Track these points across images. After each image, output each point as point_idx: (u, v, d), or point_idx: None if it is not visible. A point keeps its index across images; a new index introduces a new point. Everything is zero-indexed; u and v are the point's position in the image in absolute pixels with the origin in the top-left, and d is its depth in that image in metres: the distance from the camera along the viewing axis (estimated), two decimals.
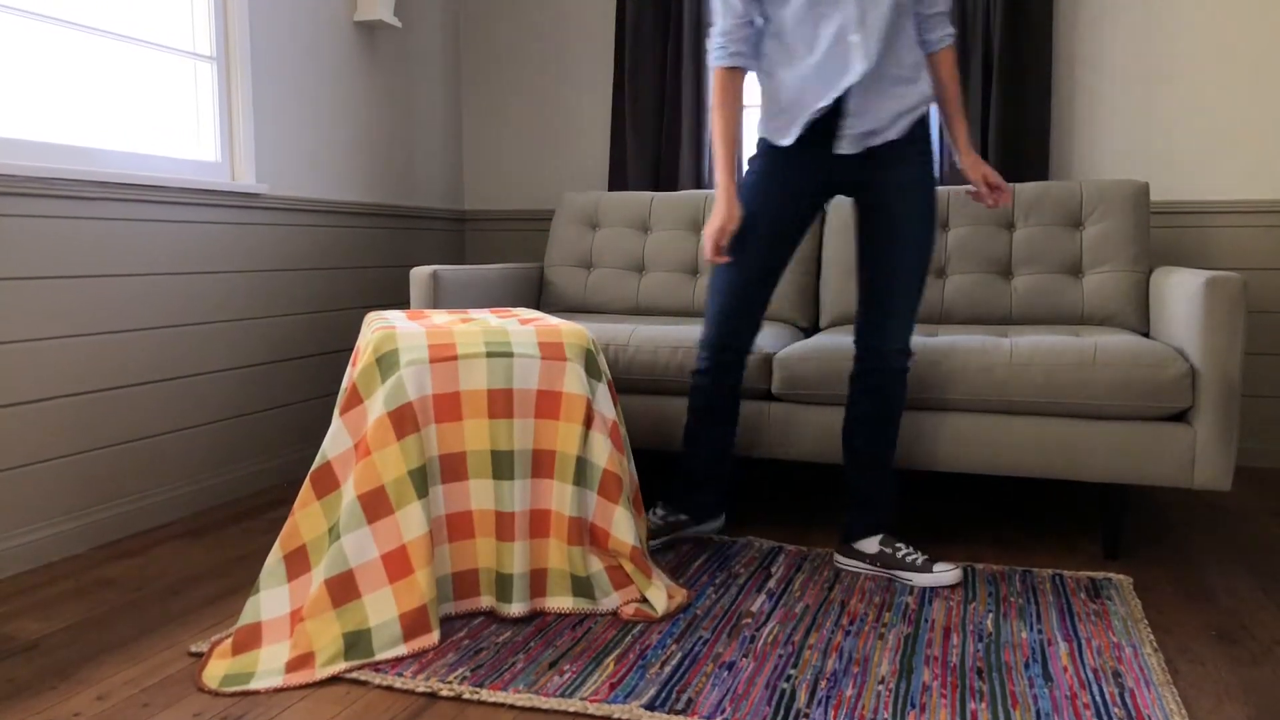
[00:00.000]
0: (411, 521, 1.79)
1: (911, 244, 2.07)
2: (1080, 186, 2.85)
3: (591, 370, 1.99)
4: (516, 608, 1.88)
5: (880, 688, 1.62)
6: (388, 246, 3.53)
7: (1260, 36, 3.09)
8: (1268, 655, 1.76)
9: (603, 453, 1.94)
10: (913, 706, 1.56)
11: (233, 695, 1.61)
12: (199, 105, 2.76)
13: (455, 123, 3.97)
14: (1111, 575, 2.16)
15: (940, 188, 2.98)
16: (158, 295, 2.55)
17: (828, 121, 2.03)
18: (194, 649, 1.77)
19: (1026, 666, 1.70)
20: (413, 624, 1.76)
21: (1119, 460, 2.18)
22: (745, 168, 2.19)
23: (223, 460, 2.80)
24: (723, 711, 1.53)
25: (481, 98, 3.98)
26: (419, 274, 2.68)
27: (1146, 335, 2.68)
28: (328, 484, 1.86)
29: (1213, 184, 3.18)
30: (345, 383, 1.97)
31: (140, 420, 2.51)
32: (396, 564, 1.77)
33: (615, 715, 1.52)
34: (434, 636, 1.77)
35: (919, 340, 2.34)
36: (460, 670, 1.68)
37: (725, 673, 1.67)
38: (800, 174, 2.09)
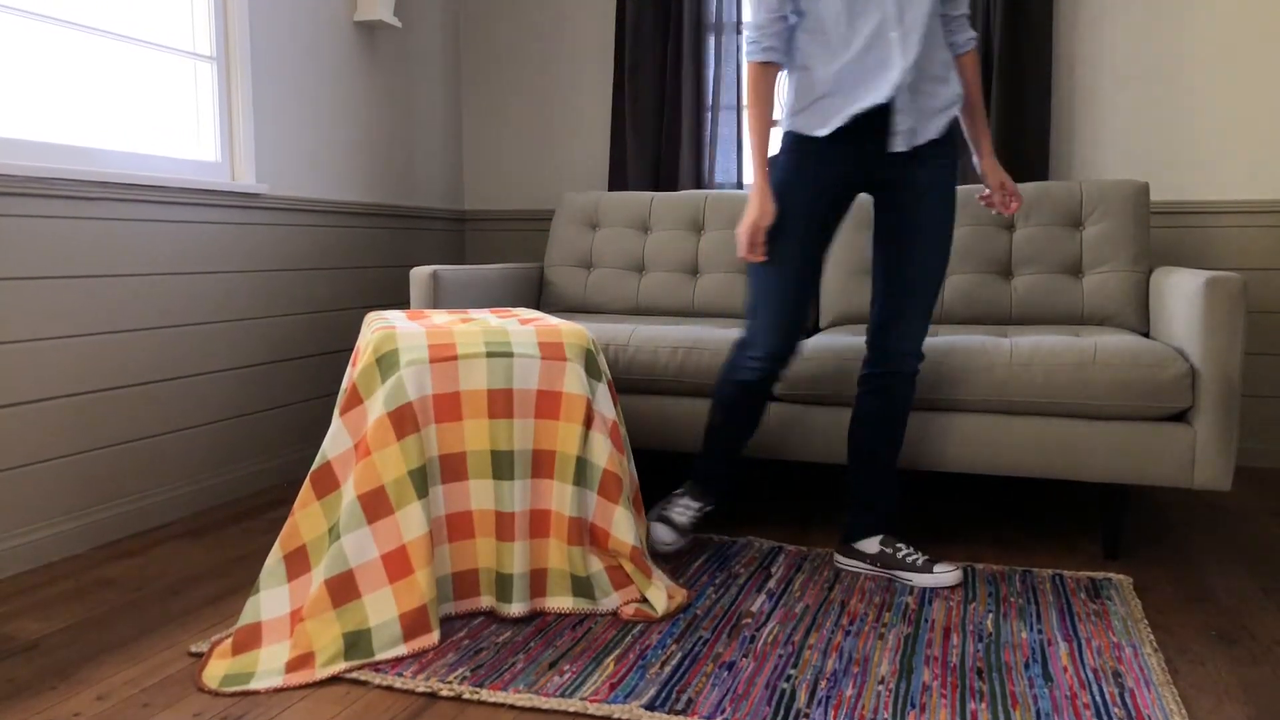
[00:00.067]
0: (411, 521, 1.79)
1: (933, 247, 2.06)
2: (1080, 186, 2.85)
3: (591, 370, 1.99)
4: (516, 608, 1.88)
5: (880, 688, 1.62)
6: (388, 246, 3.54)
7: (1261, 37, 3.09)
8: (1268, 655, 1.76)
9: (603, 453, 1.94)
10: (913, 706, 1.56)
11: (233, 695, 1.61)
12: (199, 105, 2.76)
13: (455, 123, 3.97)
14: (1111, 575, 2.16)
15: None
16: (158, 295, 2.55)
17: (871, 117, 2.00)
18: (194, 649, 1.77)
19: (1026, 666, 1.70)
20: (413, 624, 1.76)
21: (1119, 460, 2.18)
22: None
23: (223, 460, 2.80)
24: (723, 711, 1.53)
25: (481, 98, 3.98)
26: (419, 274, 2.68)
27: (1146, 335, 2.68)
28: (328, 484, 1.86)
29: (1213, 184, 3.18)
30: (345, 383, 1.97)
31: (140, 420, 2.51)
32: (396, 564, 1.77)
33: (615, 715, 1.52)
34: (434, 636, 1.77)
35: None
36: (460, 670, 1.68)
37: (725, 673, 1.67)
38: (832, 168, 2.04)
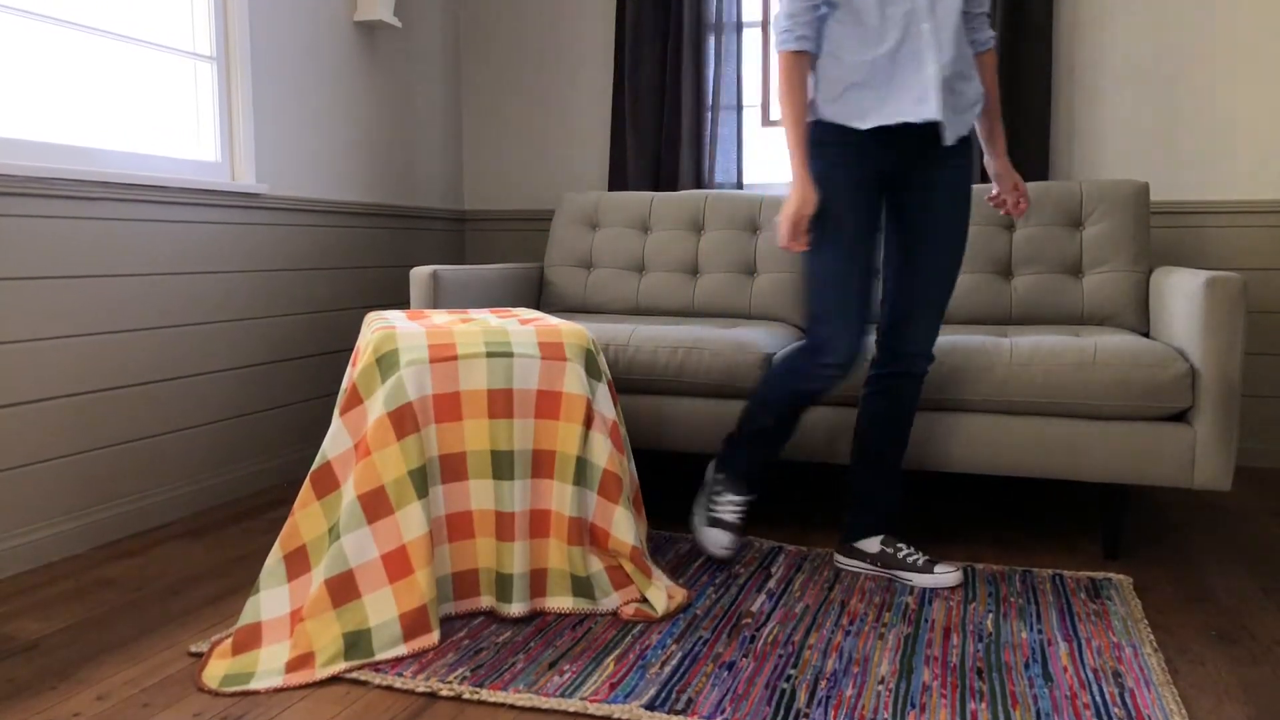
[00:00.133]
0: (411, 521, 1.79)
1: (949, 247, 2.05)
2: (1080, 186, 2.85)
3: (591, 370, 1.99)
4: (516, 608, 1.88)
5: (880, 688, 1.62)
6: (388, 246, 3.54)
7: (1261, 37, 3.09)
8: (1268, 655, 1.76)
9: (603, 453, 1.94)
10: (913, 706, 1.56)
11: (233, 695, 1.61)
12: (199, 105, 2.76)
13: (455, 123, 3.97)
14: (1111, 575, 2.16)
15: None
16: (158, 295, 2.55)
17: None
18: (194, 649, 1.77)
19: (1026, 666, 1.70)
20: (413, 624, 1.76)
21: (1119, 460, 2.18)
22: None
23: (223, 460, 2.80)
24: (723, 711, 1.53)
25: (481, 98, 3.98)
26: (419, 274, 2.68)
27: (1146, 335, 2.68)
28: (328, 484, 1.86)
29: (1213, 184, 3.18)
30: (345, 383, 1.97)
31: (140, 420, 2.51)
32: (396, 564, 1.77)
33: (615, 715, 1.52)
34: (434, 636, 1.77)
35: None
36: (460, 670, 1.68)
37: (725, 673, 1.67)
38: (872, 160, 2.00)
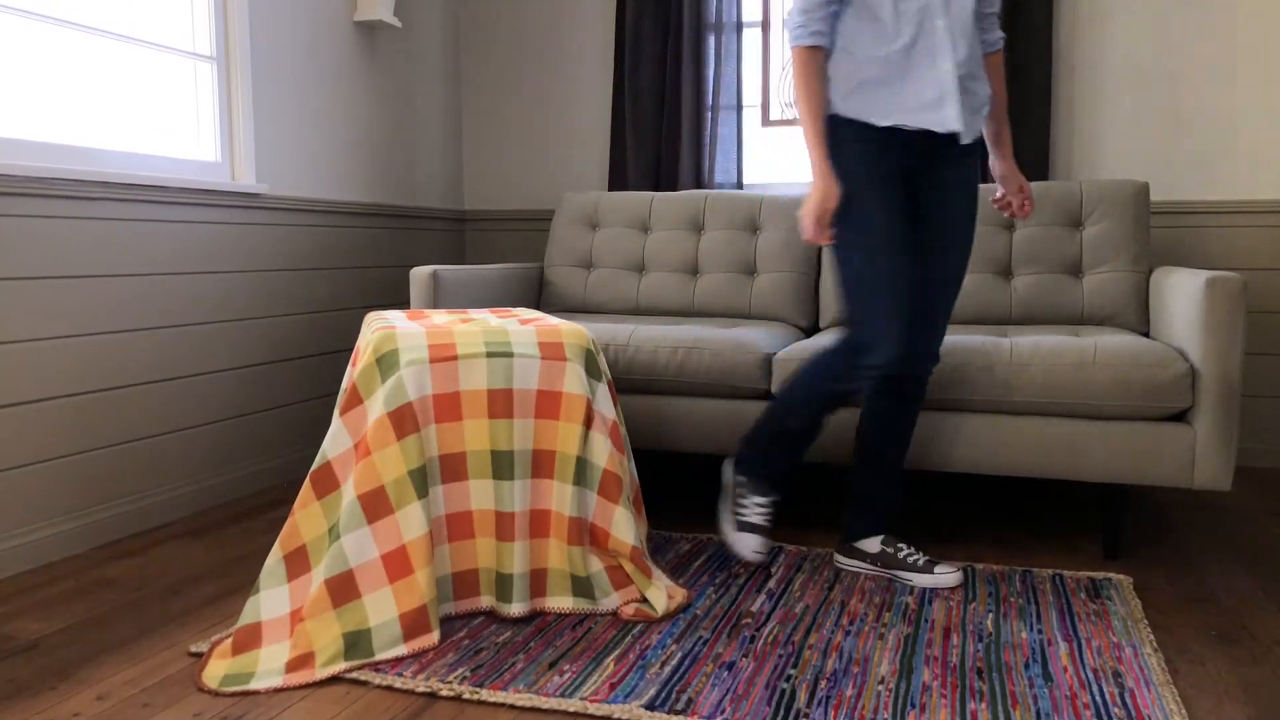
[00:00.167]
0: (411, 521, 1.79)
1: (958, 248, 2.05)
2: (1080, 186, 2.85)
3: (591, 370, 1.99)
4: (516, 608, 1.88)
5: (880, 688, 1.62)
6: (388, 246, 3.54)
7: (1261, 37, 3.09)
8: (1268, 655, 1.76)
9: (603, 453, 1.94)
10: (913, 706, 1.56)
11: (233, 695, 1.61)
12: (199, 105, 2.76)
13: (455, 123, 3.97)
14: (1111, 575, 2.16)
15: None
16: (158, 295, 2.55)
17: (929, 111, 1.95)
18: (194, 649, 1.77)
19: (1026, 666, 1.70)
20: (413, 624, 1.76)
21: (1119, 460, 2.18)
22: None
23: (223, 460, 2.80)
24: (723, 711, 1.53)
25: (481, 98, 3.98)
26: (419, 274, 2.68)
27: (1146, 335, 2.68)
28: (328, 484, 1.86)
29: (1213, 184, 3.18)
30: (345, 383, 1.97)
31: (140, 420, 2.51)
32: (396, 564, 1.77)
33: (615, 715, 1.52)
34: (434, 636, 1.77)
35: None
36: (460, 670, 1.68)
37: (725, 673, 1.67)
38: (890, 156, 1.98)
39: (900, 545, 2.14)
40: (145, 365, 2.52)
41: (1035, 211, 2.84)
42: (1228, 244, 3.17)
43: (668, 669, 1.69)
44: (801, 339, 2.71)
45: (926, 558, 2.12)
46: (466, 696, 1.59)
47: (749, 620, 1.91)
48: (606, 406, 1.99)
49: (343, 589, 1.75)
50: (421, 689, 1.61)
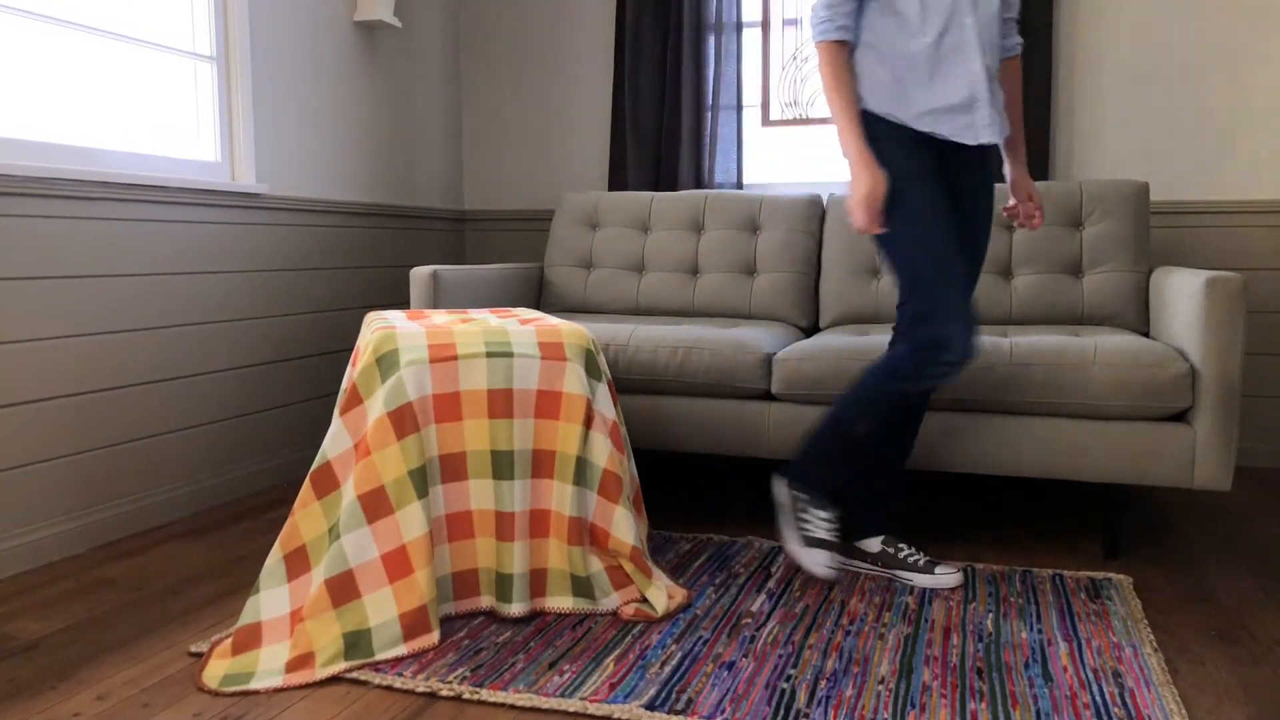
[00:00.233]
0: (411, 521, 1.79)
1: (978, 250, 2.05)
2: (1080, 186, 2.85)
3: (591, 370, 1.99)
4: (516, 608, 1.88)
5: (880, 688, 1.62)
6: (388, 246, 3.54)
7: (1260, 37, 3.09)
8: (1268, 655, 1.76)
9: (603, 453, 1.94)
10: (913, 706, 1.56)
11: (233, 695, 1.61)
12: (199, 105, 2.76)
13: (455, 123, 3.97)
14: (1111, 575, 2.16)
15: None
16: (158, 295, 2.55)
17: (955, 112, 1.94)
18: (194, 649, 1.77)
19: (1026, 666, 1.70)
20: (413, 624, 1.76)
21: (1119, 460, 2.18)
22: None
23: (223, 460, 2.80)
24: (723, 711, 1.53)
25: (481, 98, 3.98)
26: (419, 274, 2.68)
27: (1146, 335, 2.68)
28: (328, 484, 1.86)
29: (1213, 184, 3.18)
30: (345, 383, 1.97)
31: (140, 420, 2.51)
32: (396, 564, 1.77)
33: (615, 715, 1.52)
34: (434, 636, 1.77)
35: None
36: (460, 670, 1.68)
37: (725, 673, 1.67)
38: (924, 152, 1.96)
39: (901, 545, 2.14)
40: (145, 365, 2.52)
41: None
42: (1228, 244, 3.17)
43: (668, 669, 1.69)
44: (801, 339, 2.71)
45: (927, 558, 2.12)
46: (466, 696, 1.59)
47: (749, 620, 1.91)
48: (606, 406, 1.99)
49: (343, 589, 1.75)
50: (421, 689, 1.61)
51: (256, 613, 1.78)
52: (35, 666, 1.72)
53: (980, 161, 2.03)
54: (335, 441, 1.87)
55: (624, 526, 1.93)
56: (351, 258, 3.33)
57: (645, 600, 1.95)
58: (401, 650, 1.74)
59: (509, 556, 1.89)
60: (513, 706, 1.56)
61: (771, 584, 2.11)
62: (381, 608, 1.75)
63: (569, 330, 2.00)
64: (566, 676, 1.66)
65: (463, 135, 4.02)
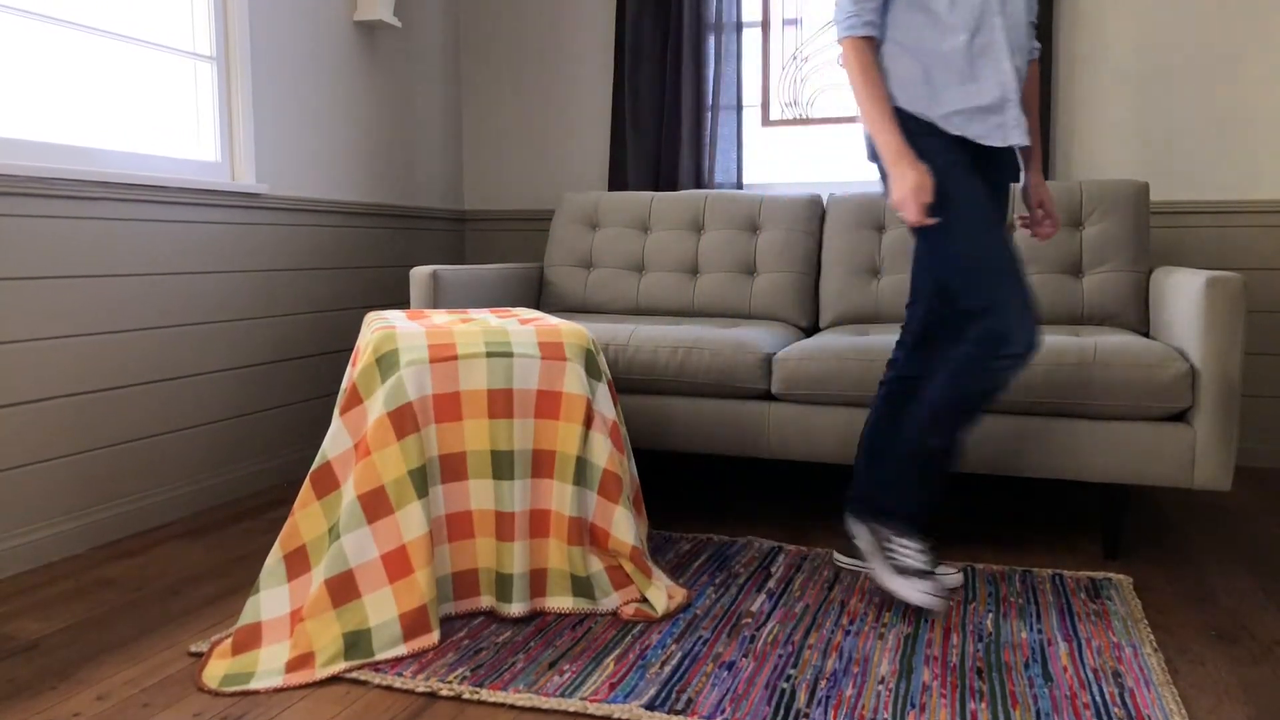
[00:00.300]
0: (411, 521, 1.79)
1: None
2: (1080, 186, 2.85)
3: (591, 370, 1.99)
4: (516, 608, 1.88)
5: (880, 688, 1.62)
6: (388, 246, 3.54)
7: (1259, 37, 3.09)
8: (1268, 655, 1.76)
9: (603, 453, 1.94)
10: (913, 706, 1.56)
11: (233, 695, 1.61)
12: (199, 105, 2.76)
13: (455, 123, 3.97)
14: (1111, 575, 2.16)
15: None
16: (158, 295, 2.55)
17: (987, 112, 1.92)
18: (194, 649, 1.77)
19: (1026, 666, 1.70)
20: (413, 624, 1.76)
21: (1119, 460, 2.18)
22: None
23: (223, 460, 2.80)
24: (723, 711, 1.53)
25: (481, 98, 3.98)
26: (419, 274, 2.68)
27: (1146, 335, 2.68)
28: (328, 484, 1.86)
29: (1213, 184, 3.18)
30: (345, 383, 1.97)
31: (140, 420, 2.51)
32: (396, 564, 1.77)
33: (615, 715, 1.52)
34: (434, 636, 1.77)
35: None
36: (460, 670, 1.68)
37: (725, 673, 1.67)
38: (957, 149, 1.93)
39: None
40: (145, 365, 2.52)
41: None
42: (1228, 244, 3.17)
43: (668, 669, 1.69)
44: (801, 339, 2.71)
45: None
46: (466, 696, 1.59)
47: (749, 620, 1.91)
48: (606, 406, 1.99)
49: (343, 589, 1.75)
50: (421, 689, 1.61)
51: (256, 613, 1.78)
52: (35, 666, 1.72)
53: (1003, 163, 2.02)
54: (335, 441, 1.87)
55: (624, 526, 1.93)
56: (351, 258, 3.33)
57: (645, 600, 1.95)
58: (401, 650, 1.74)
59: (509, 556, 1.89)
60: (513, 706, 1.56)
61: (771, 584, 2.11)
62: (381, 608, 1.75)
63: (569, 330, 2.00)
64: (566, 676, 1.66)
65: (463, 135, 4.02)
